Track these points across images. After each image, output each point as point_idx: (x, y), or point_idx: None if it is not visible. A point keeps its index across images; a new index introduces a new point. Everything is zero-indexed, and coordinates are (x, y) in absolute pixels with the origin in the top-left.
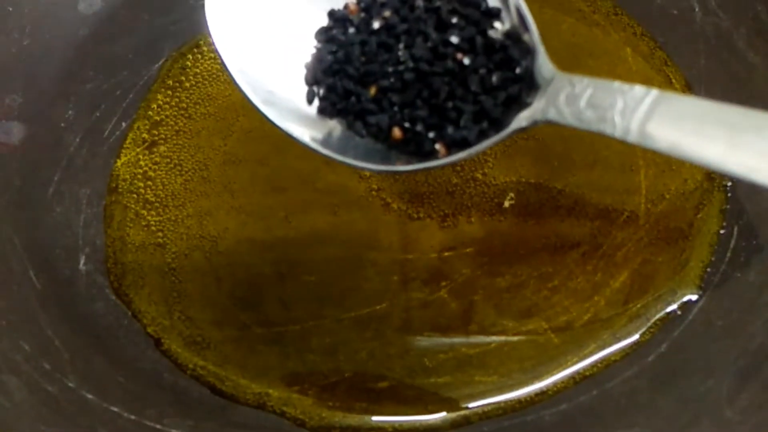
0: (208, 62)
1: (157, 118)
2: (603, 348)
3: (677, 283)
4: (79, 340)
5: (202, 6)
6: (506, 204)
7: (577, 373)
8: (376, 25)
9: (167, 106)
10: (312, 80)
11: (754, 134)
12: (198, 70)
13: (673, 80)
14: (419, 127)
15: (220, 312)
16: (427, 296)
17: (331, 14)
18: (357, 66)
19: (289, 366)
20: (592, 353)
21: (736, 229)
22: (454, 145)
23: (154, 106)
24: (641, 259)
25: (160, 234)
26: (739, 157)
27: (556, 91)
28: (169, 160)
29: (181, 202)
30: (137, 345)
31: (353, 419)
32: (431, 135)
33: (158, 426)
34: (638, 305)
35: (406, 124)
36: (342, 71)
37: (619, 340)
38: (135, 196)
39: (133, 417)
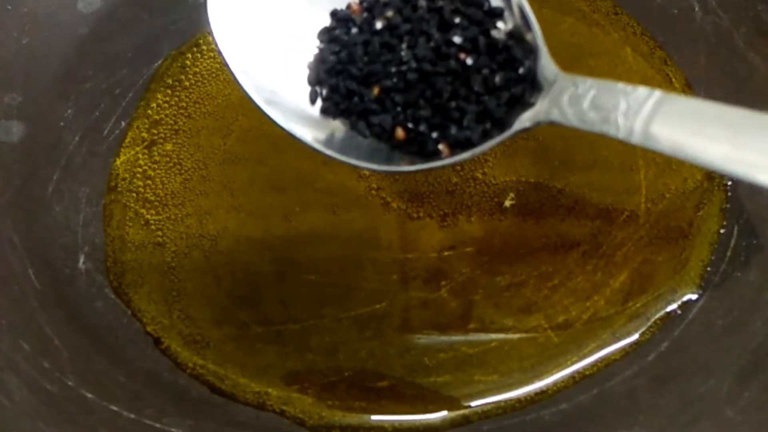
0: (208, 61)
1: (157, 117)
2: (603, 347)
3: (677, 283)
4: (78, 339)
5: (202, 5)
6: (506, 203)
7: (577, 372)
8: (378, 25)
9: (167, 105)
10: (315, 80)
11: (757, 136)
12: (197, 69)
13: (673, 80)
14: (422, 128)
15: (219, 311)
16: (426, 295)
17: (334, 14)
18: (360, 66)
19: (289, 365)
20: (592, 352)
21: (736, 228)
22: (457, 146)
23: (154, 105)
24: (641, 259)
25: (159, 233)
26: (743, 158)
27: (559, 91)
28: (168, 159)
29: (181, 201)
30: (137, 344)
31: (353, 418)
32: (434, 135)
33: (158, 425)
34: (638, 304)
35: (409, 125)
36: (345, 71)
37: (619, 339)
38: (134, 195)
39: (132, 416)
